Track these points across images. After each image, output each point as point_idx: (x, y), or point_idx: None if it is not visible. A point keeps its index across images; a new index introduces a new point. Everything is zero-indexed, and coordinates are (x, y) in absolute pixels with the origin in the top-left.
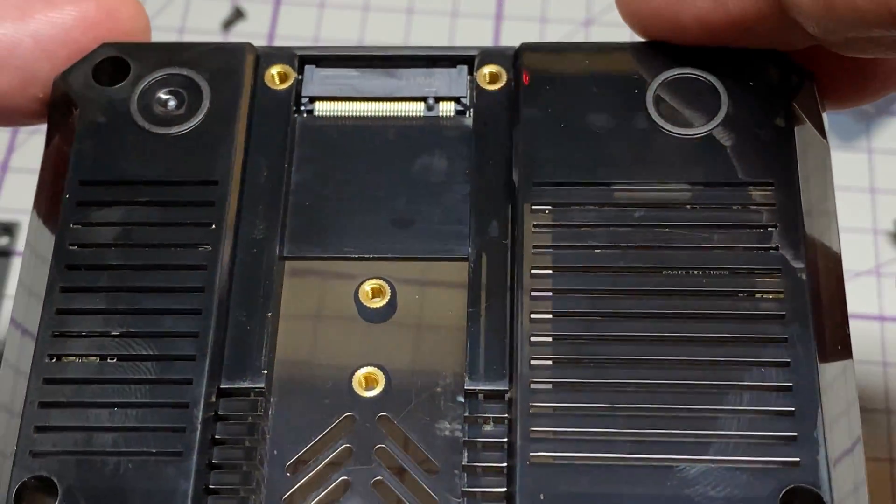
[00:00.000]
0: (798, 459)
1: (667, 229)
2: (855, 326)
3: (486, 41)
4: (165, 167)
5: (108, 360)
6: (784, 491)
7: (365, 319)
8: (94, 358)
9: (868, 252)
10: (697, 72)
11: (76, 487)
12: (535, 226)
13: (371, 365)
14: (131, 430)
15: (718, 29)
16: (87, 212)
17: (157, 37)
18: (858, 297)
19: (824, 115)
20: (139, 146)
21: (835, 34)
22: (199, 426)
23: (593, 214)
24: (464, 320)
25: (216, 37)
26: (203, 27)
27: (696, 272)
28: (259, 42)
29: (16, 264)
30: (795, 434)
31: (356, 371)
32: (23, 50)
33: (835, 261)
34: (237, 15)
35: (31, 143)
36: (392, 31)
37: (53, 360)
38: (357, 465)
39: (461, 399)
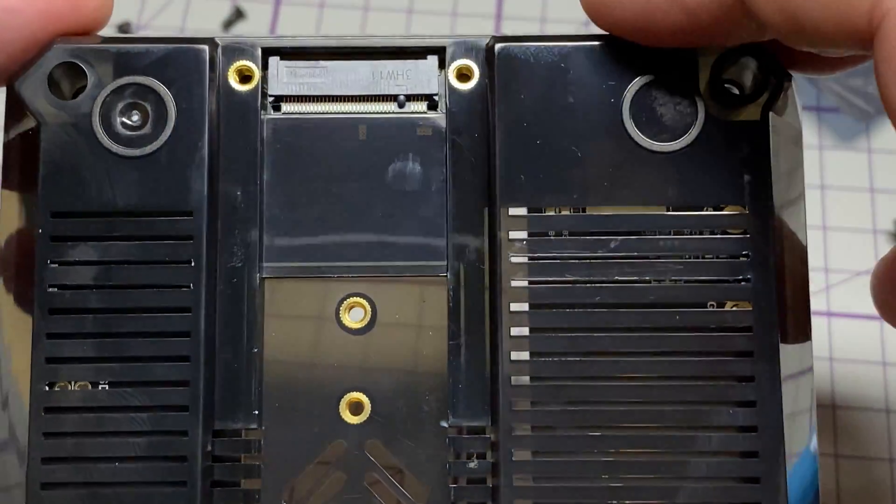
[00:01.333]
0: (760, 502)
1: (641, 261)
2: (855, 326)
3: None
4: (138, 195)
5: (104, 413)
6: None
7: (347, 341)
8: (87, 412)
9: (868, 252)
10: (674, 77)
11: None
12: (512, 259)
13: (356, 390)
14: (134, 486)
15: (691, 38)
16: (62, 248)
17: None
18: (858, 297)
19: (818, 114)
20: (107, 171)
21: (797, 45)
22: (199, 479)
23: (570, 244)
24: (444, 340)
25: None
26: (203, 27)
27: (669, 307)
28: None
29: None
30: (759, 476)
31: (342, 397)
32: None
33: (803, 287)
34: (237, 15)
35: None
36: (392, 31)
37: (50, 414)
38: (350, 493)
39: (444, 424)
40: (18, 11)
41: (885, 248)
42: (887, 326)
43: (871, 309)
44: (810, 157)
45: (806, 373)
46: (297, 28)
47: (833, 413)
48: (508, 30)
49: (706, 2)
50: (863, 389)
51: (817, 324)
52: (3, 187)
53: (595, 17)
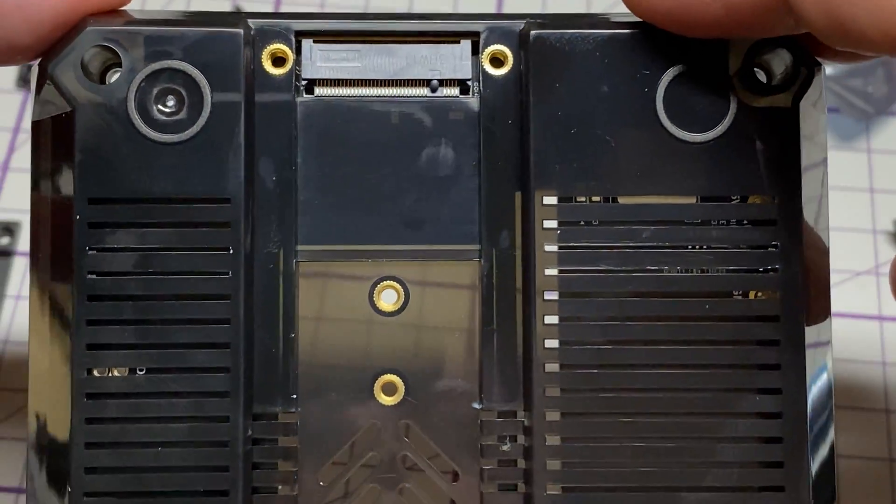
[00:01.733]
0: (783, 487)
1: (671, 250)
2: (854, 326)
3: None
4: (175, 181)
5: (146, 399)
6: None
7: (380, 323)
8: (128, 397)
9: (868, 252)
10: (707, 67)
11: None
12: (545, 247)
13: (389, 372)
14: (177, 470)
15: (728, 31)
16: (100, 234)
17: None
18: (858, 296)
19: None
20: (144, 157)
21: (835, 45)
22: (241, 464)
23: (602, 233)
24: (475, 321)
25: None
26: None
27: (698, 296)
28: None
29: (16, 264)
30: (784, 463)
31: (376, 379)
32: (7, 20)
33: (826, 276)
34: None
35: None
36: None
37: (92, 400)
38: (384, 472)
39: (476, 406)
40: None
41: (884, 248)
42: (887, 326)
43: (871, 309)
44: None
45: (825, 371)
46: None
47: (832, 413)
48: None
49: None
50: (862, 389)
51: None
52: (33, 168)
53: (633, 3)
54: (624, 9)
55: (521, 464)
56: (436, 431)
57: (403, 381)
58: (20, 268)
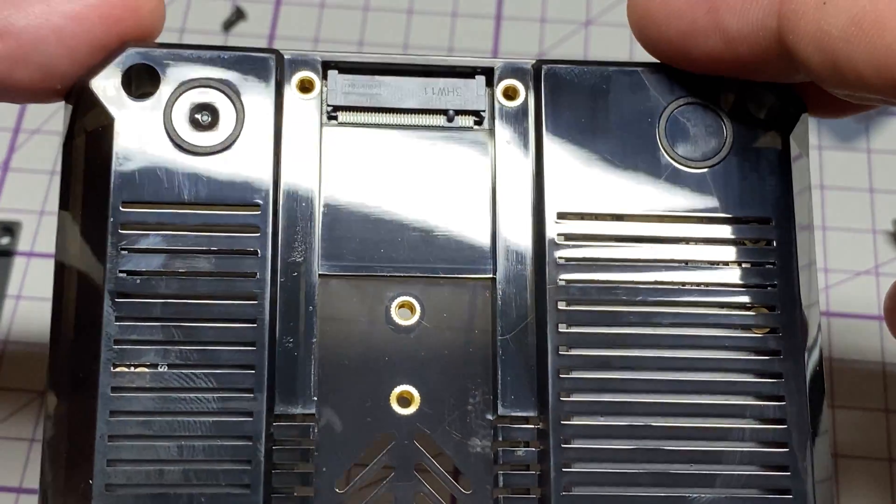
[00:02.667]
0: (788, 488)
1: (675, 265)
2: (854, 326)
3: (486, 41)
4: (206, 188)
5: (171, 394)
6: None
7: (397, 337)
8: (154, 392)
9: (867, 252)
10: (704, 102)
11: None
12: (558, 259)
13: (406, 383)
14: (200, 463)
15: (726, 66)
16: (132, 236)
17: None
18: (857, 296)
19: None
20: (177, 165)
21: (837, 91)
22: (262, 459)
23: (611, 250)
24: (488, 337)
25: (218, 38)
26: (204, 27)
27: (703, 311)
28: (260, 42)
29: (16, 264)
30: (788, 466)
31: (392, 390)
32: (45, 46)
33: (815, 289)
34: (238, 15)
35: (32, 143)
36: (392, 31)
37: (116, 394)
38: (399, 480)
39: (490, 416)
40: (83, 18)
41: (884, 248)
42: (886, 326)
43: (871, 309)
44: (810, 157)
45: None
46: (298, 28)
47: (832, 412)
48: (508, 29)
49: (746, 33)
50: (862, 389)
51: None
52: (63, 182)
53: (640, 32)
54: (625, 57)
55: (535, 468)
56: (450, 440)
57: (419, 392)
58: (20, 268)
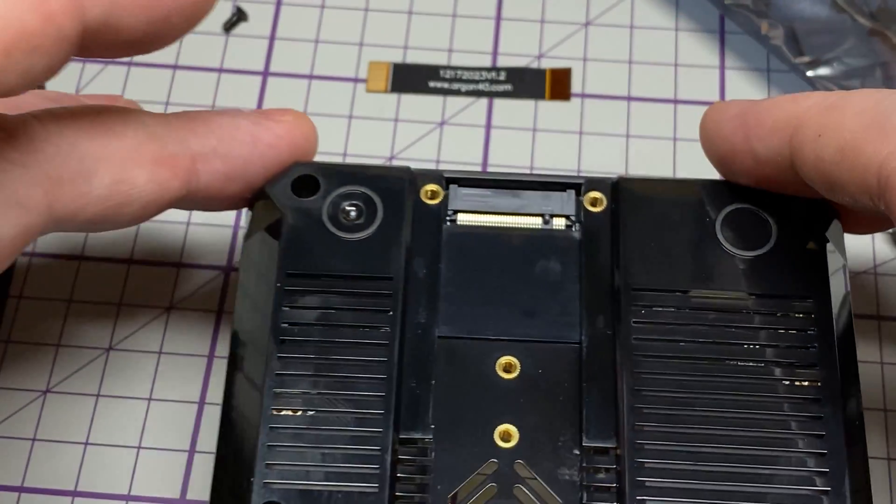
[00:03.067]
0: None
1: (732, 329)
2: (853, 326)
3: (486, 42)
4: (352, 264)
5: (316, 414)
6: None
7: (502, 387)
8: (305, 412)
9: (866, 252)
10: (754, 207)
11: None
12: (633, 321)
13: (507, 423)
14: (339, 468)
15: (759, 181)
16: (293, 297)
17: None
18: (856, 296)
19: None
20: (330, 247)
21: (835, 199)
22: (388, 468)
23: (676, 314)
24: (576, 390)
25: (218, 38)
26: (204, 28)
27: (753, 363)
28: (261, 42)
29: (18, 264)
30: (829, 488)
31: (496, 427)
32: (252, 168)
33: (853, 358)
34: (239, 16)
35: None
36: (392, 32)
37: (275, 413)
38: (500, 499)
39: (577, 451)
40: (277, 147)
41: (882, 249)
42: (885, 326)
43: (870, 309)
44: None
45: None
46: (299, 30)
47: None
48: (508, 30)
49: (770, 157)
50: (860, 388)
51: None
52: (243, 265)
53: (704, 146)
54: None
55: (613, 488)
56: (544, 468)
57: (518, 429)
58: (21, 268)
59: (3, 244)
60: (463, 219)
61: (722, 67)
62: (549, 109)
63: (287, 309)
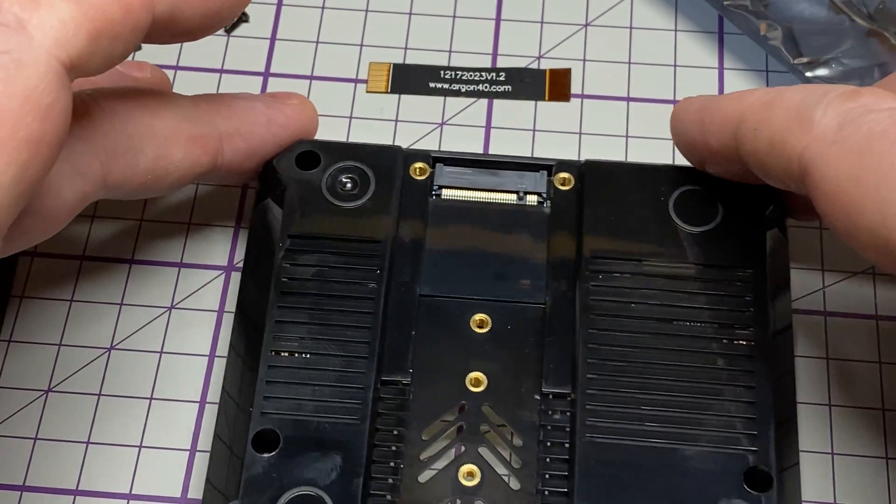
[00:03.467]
0: (756, 449)
1: (677, 294)
2: (852, 325)
3: (486, 43)
4: (346, 229)
5: (309, 356)
6: (746, 468)
7: (474, 340)
8: (300, 354)
9: None
10: (703, 189)
11: (292, 437)
12: (591, 285)
13: (478, 371)
14: (327, 402)
15: (719, 169)
16: (294, 255)
17: None
18: (855, 297)
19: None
20: (327, 214)
21: (769, 182)
22: (370, 403)
23: (629, 280)
24: (539, 344)
25: (220, 38)
26: None
27: (696, 324)
28: (262, 43)
29: (20, 264)
30: (756, 432)
31: (468, 374)
32: (266, 146)
33: (787, 318)
34: (240, 17)
35: None
36: (392, 33)
37: (274, 354)
38: (469, 435)
39: (537, 396)
40: (288, 127)
41: None
42: (883, 326)
43: (868, 308)
44: None
45: (790, 371)
46: (299, 30)
47: (829, 411)
48: (507, 31)
49: (720, 148)
50: (859, 388)
51: (814, 323)
52: (251, 230)
53: (672, 135)
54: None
55: (567, 427)
56: (507, 411)
57: (487, 377)
58: (23, 268)
59: (64, 208)
60: (447, 193)
61: (721, 68)
62: (549, 110)
63: (288, 266)
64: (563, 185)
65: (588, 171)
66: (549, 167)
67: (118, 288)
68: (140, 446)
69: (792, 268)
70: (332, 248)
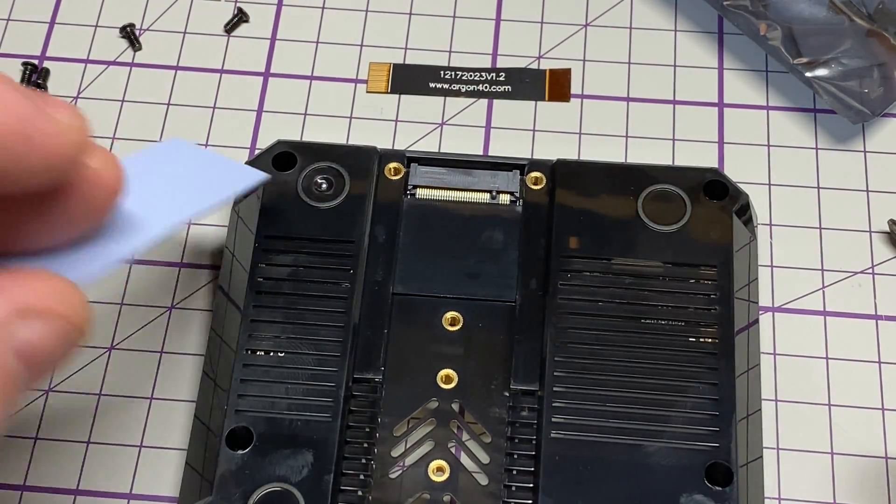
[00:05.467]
0: (718, 445)
1: (645, 292)
2: (851, 325)
3: (486, 43)
4: (320, 229)
5: (283, 355)
6: (708, 464)
7: (446, 338)
8: (274, 353)
9: (864, 252)
10: (672, 188)
11: (264, 434)
12: (560, 284)
13: (449, 368)
14: (299, 400)
15: None
16: (269, 255)
17: (164, 38)
18: (855, 296)
19: (814, 116)
20: (302, 214)
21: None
22: (342, 401)
23: (599, 278)
24: (509, 342)
25: (220, 39)
26: (206, 29)
27: (662, 322)
28: (262, 43)
29: None
30: (718, 429)
31: (439, 371)
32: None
33: (753, 315)
34: (240, 17)
35: None
36: (392, 33)
37: (249, 353)
38: (439, 432)
39: (507, 393)
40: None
41: (880, 249)
42: (882, 326)
43: (868, 308)
44: (807, 158)
45: (754, 367)
46: (300, 31)
47: (829, 411)
48: (507, 31)
49: None
50: (858, 388)
51: (813, 323)
52: (231, 226)
53: None
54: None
55: (533, 423)
56: (477, 407)
57: (458, 375)
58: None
59: None
60: (421, 193)
61: (720, 68)
62: (549, 110)
63: (263, 266)
64: (535, 184)
65: (560, 171)
66: (522, 167)
67: (118, 288)
68: (140, 446)
69: (792, 268)
70: (307, 247)
